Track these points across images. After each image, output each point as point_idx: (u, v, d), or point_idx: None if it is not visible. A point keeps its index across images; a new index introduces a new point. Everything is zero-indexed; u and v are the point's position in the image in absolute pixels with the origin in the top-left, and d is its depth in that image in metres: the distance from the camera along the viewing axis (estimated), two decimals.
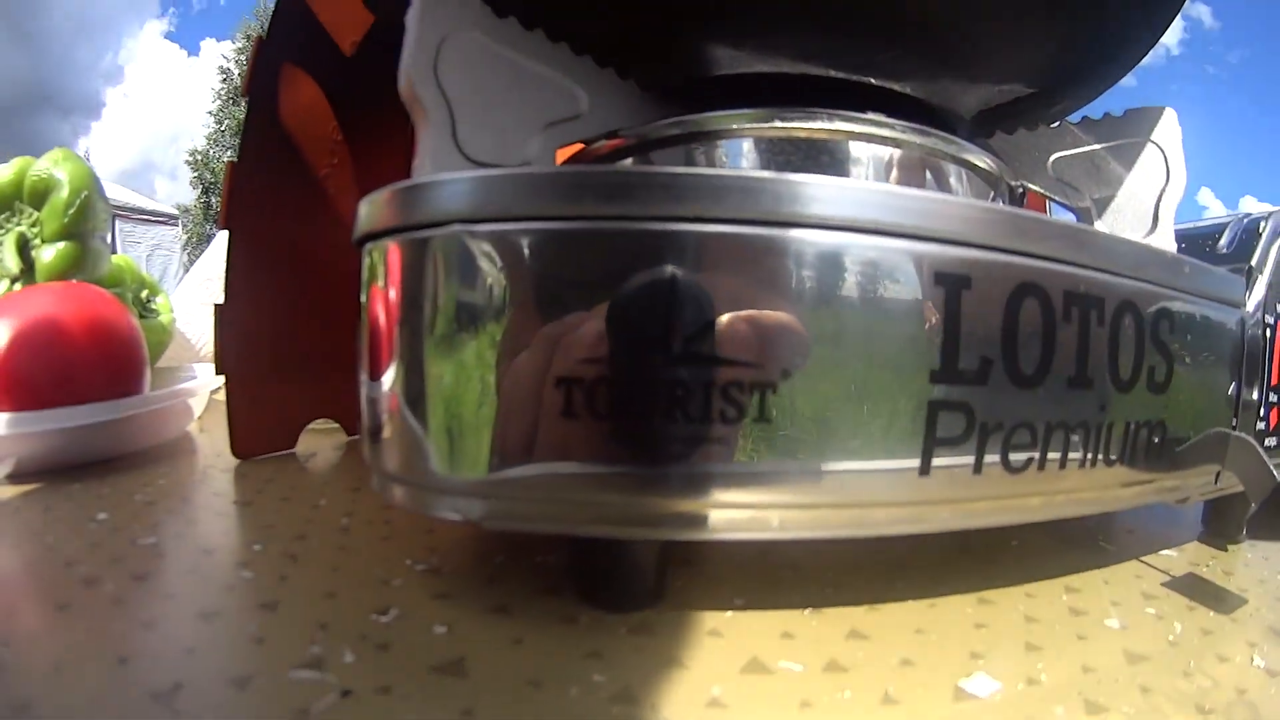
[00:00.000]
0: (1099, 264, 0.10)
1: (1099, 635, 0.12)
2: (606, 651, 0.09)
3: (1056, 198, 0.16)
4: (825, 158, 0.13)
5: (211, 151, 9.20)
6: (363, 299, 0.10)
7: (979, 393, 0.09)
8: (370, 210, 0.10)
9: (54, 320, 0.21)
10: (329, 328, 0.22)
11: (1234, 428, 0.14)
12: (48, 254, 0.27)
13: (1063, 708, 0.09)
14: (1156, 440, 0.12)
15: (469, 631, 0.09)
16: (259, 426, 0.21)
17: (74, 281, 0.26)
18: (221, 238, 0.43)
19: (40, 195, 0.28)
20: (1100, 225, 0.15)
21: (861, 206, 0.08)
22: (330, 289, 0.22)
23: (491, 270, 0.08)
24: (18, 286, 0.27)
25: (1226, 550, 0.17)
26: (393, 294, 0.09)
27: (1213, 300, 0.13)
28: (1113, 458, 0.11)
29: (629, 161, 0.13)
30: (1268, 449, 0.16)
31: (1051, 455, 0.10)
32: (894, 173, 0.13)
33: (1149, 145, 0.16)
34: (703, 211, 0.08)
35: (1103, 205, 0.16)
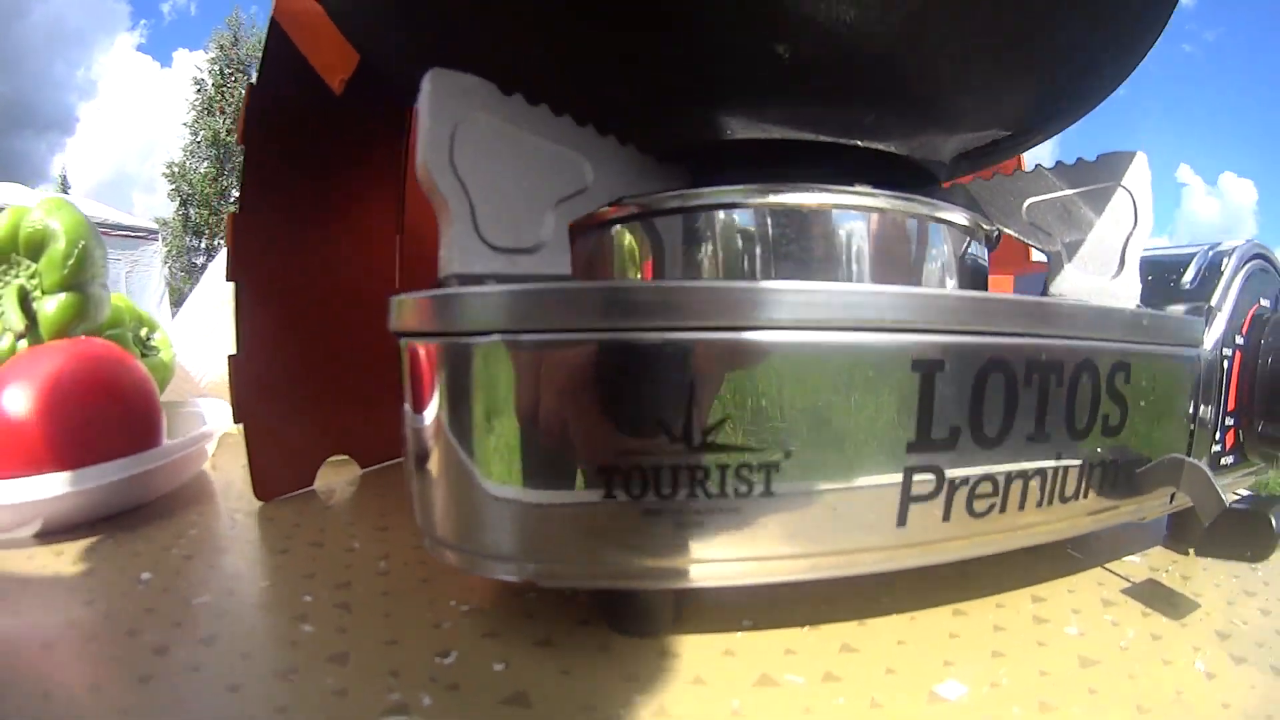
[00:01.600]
0: (1059, 333, 0.12)
1: (1058, 641, 0.13)
2: (641, 674, 0.11)
3: (1030, 241, 0.17)
4: (816, 228, 0.14)
5: (188, 163, 9.14)
6: (405, 384, 0.11)
7: (948, 456, 0.11)
8: (409, 311, 0.11)
9: (71, 381, 0.21)
10: (341, 365, 0.23)
11: (1188, 453, 0.15)
12: (50, 305, 0.27)
13: (1019, 708, 0.11)
14: (1111, 477, 0.13)
15: (523, 666, 0.11)
16: (278, 468, 0.21)
17: (83, 338, 0.26)
18: (216, 266, 0.43)
19: (36, 247, 0.26)
20: (1070, 268, 0.17)
21: (849, 308, 0.10)
22: (340, 327, 0.23)
23: (530, 373, 0.10)
24: (23, 343, 0.26)
25: (1188, 554, 0.18)
26: (438, 389, 0.10)
27: (1171, 345, 0.14)
28: (1068, 495, 0.13)
29: (631, 239, 0.15)
30: (1224, 467, 0.17)
31: (1011, 499, 0.12)
32: (879, 237, 0.14)
33: (1119, 189, 0.17)
34: (708, 321, 0.09)
35: (1073, 249, 0.17)
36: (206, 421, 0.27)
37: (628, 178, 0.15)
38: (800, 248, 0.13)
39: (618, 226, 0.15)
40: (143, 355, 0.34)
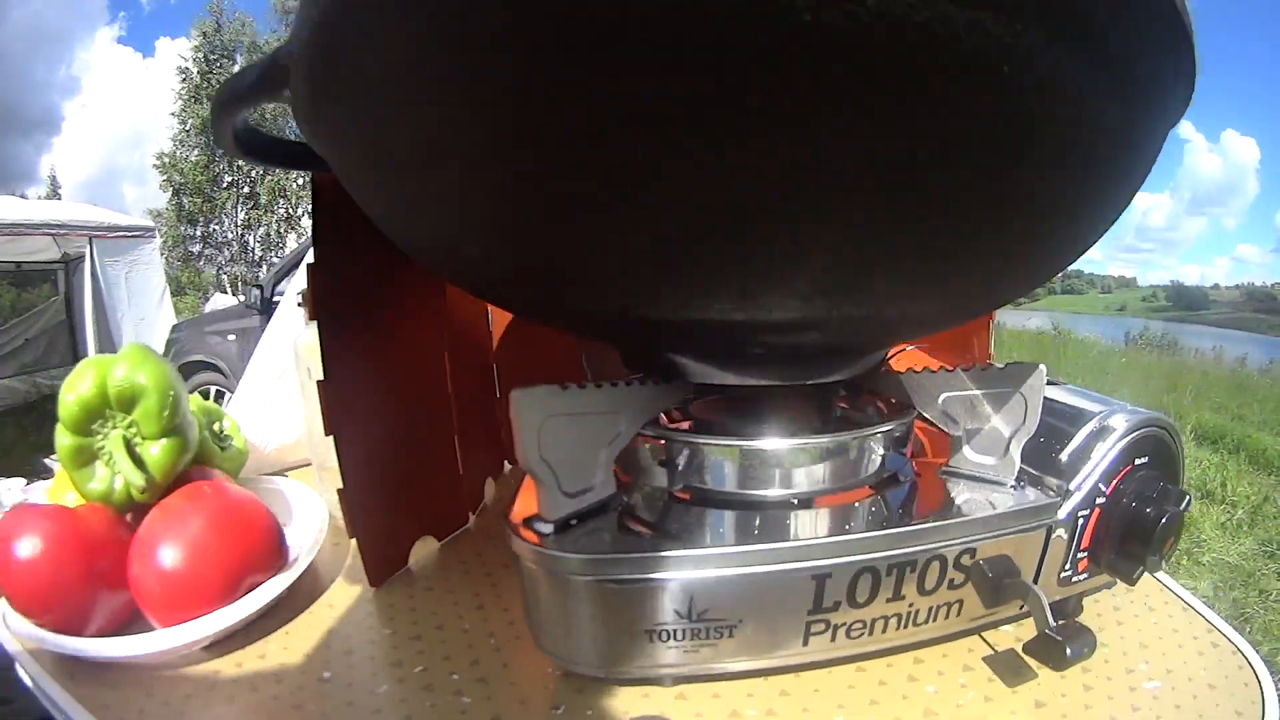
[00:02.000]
0: (918, 544, 0.20)
1: (916, 696, 0.22)
2: (667, 710, 0.21)
3: (940, 426, 0.24)
4: (774, 461, 0.22)
5: (179, 152, 9.08)
6: (525, 583, 0.20)
7: (833, 614, 0.20)
8: (529, 555, 0.19)
9: (212, 534, 0.24)
10: (426, 470, 0.30)
11: (1035, 580, 0.23)
12: (154, 450, 0.28)
13: None
14: (956, 608, 0.21)
15: (603, 710, 0.20)
16: (383, 560, 0.28)
17: (201, 485, 0.28)
18: (266, 343, 0.46)
19: (128, 401, 0.27)
20: (967, 449, 0.23)
21: (775, 556, 0.19)
22: (413, 440, 0.29)
23: (607, 594, 0.19)
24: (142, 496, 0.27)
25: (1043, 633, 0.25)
26: (550, 591, 0.20)
27: (1021, 528, 0.22)
28: (920, 622, 0.21)
29: (649, 461, 0.23)
30: (1075, 583, 0.24)
31: (877, 629, 0.21)
32: (825, 464, 0.22)
33: (1017, 394, 0.23)
34: (698, 570, 0.19)
35: (971, 435, 0.23)
36: (290, 503, 0.32)
37: (648, 401, 0.22)
38: (763, 473, 0.22)
39: (638, 452, 0.23)
40: (221, 449, 0.35)
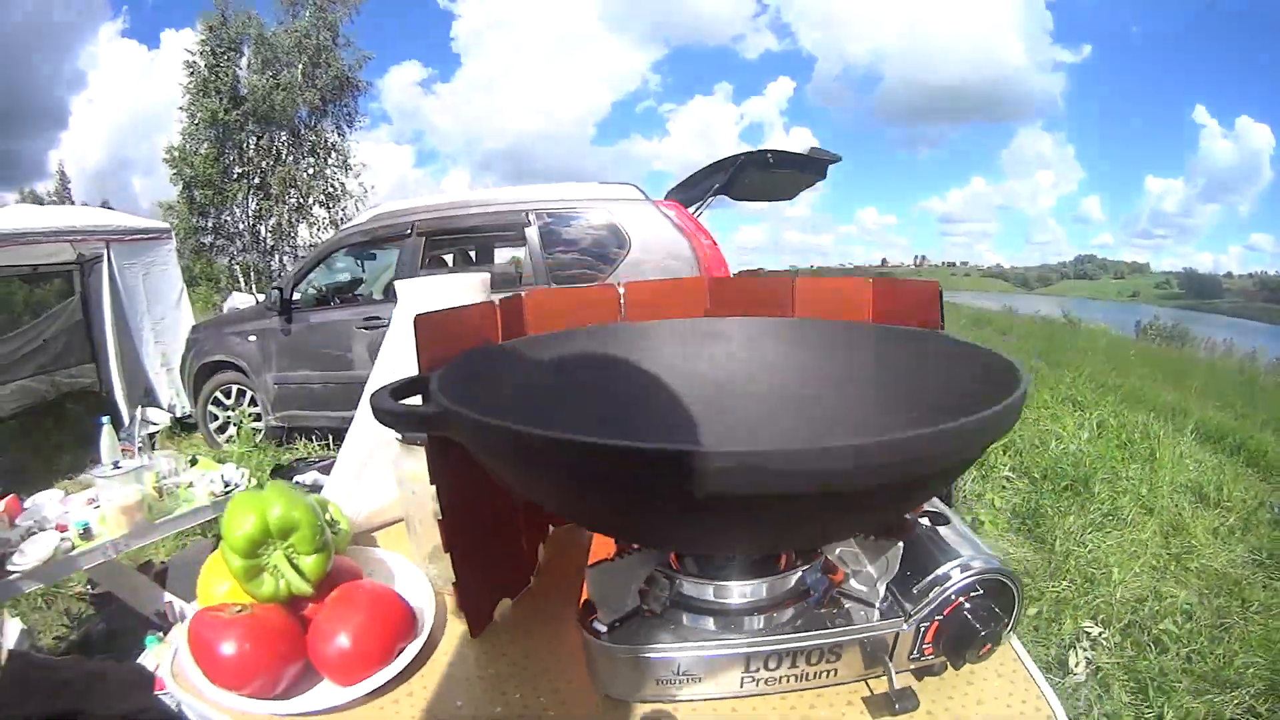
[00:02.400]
0: (804, 641, 0.36)
1: (814, 717, 0.38)
2: (680, 717, 0.38)
3: (840, 565, 0.39)
4: (744, 606, 0.38)
5: (188, 145, 9.09)
6: (587, 650, 0.37)
7: (757, 673, 0.37)
8: (592, 642, 0.37)
9: (369, 618, 0.36)
10: (504, 551, 0.44)
11: (890, 657, 0.38)
12: (308, 560, 0.37)
13: None
14: (835, 670, 0.37)
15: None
16: (480, 619, 0.42)
17: (355, 585, 0.38)
18: (355, 429, 0.62)
19: (286, 531, 0.36)
20: (853, 580, 0.39)
21: (726, 645, 0.36)
22: (501, 531, 0.44)
23: (632, 661, 0.35)
24: (282, 579, 0.36)
25: (920, 680, 0.40)
26: (600, 656, 0.37)
27: (875, 632, 0.37)
28: (811, 678, 0.37)
29: (660, 589, 0.39)
30: (924, 660, 0.39)
31: (784, 680, 0.37)
32: (774, 602, 0.38)
33: (884, 556, 0.38)
34: (690, 650, 0.35)
35: (856, 574, 0.39)
36: (394, 572, 0.45)
37: (657, 557, 0.39)
38: (721, 592, 0.38)
39: (654, 578, 0.39)
40: (334, 534, 0.43)
